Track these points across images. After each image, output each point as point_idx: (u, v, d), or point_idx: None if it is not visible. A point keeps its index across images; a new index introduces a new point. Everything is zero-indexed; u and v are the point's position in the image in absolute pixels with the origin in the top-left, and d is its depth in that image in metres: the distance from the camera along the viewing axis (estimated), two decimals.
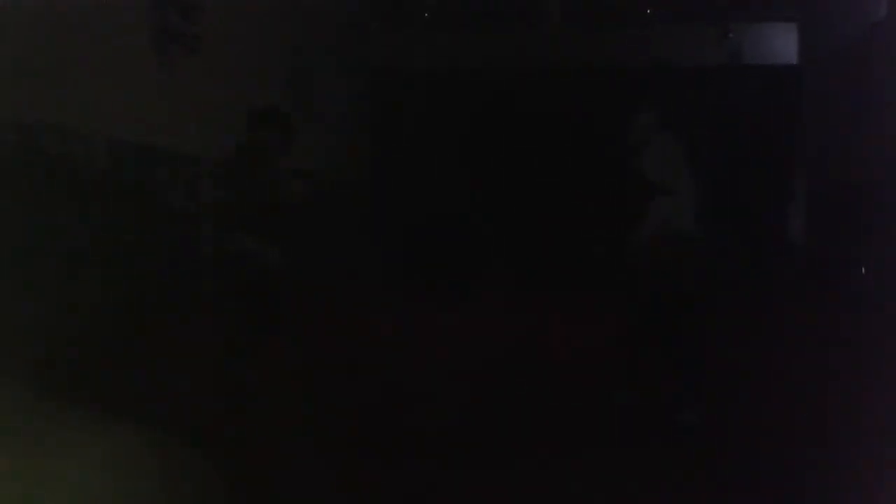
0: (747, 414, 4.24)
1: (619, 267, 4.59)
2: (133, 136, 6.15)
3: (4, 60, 4.63)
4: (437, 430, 3.81)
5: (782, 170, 10.11)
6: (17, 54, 4.76)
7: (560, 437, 3.90)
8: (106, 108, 5.80)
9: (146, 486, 2.86)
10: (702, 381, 4.19)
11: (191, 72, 6.65)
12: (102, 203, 5.86)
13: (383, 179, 10.30)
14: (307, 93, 8.45)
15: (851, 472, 3.25)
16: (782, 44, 10.45)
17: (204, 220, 4.70)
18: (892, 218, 7.53)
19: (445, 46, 10.65)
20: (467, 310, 6.92)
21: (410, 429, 3.84)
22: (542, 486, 3.16)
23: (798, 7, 10.03)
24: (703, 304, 4.48)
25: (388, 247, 9.26)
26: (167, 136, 6.39)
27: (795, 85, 10.13)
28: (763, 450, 3.58)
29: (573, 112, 9.89)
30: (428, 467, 3.31)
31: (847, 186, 8.45)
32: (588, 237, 8.92)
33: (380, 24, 10.51)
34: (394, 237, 9.43)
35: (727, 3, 10.13)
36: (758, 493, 3.19)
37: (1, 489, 2.71)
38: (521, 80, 10.38)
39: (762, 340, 6.21)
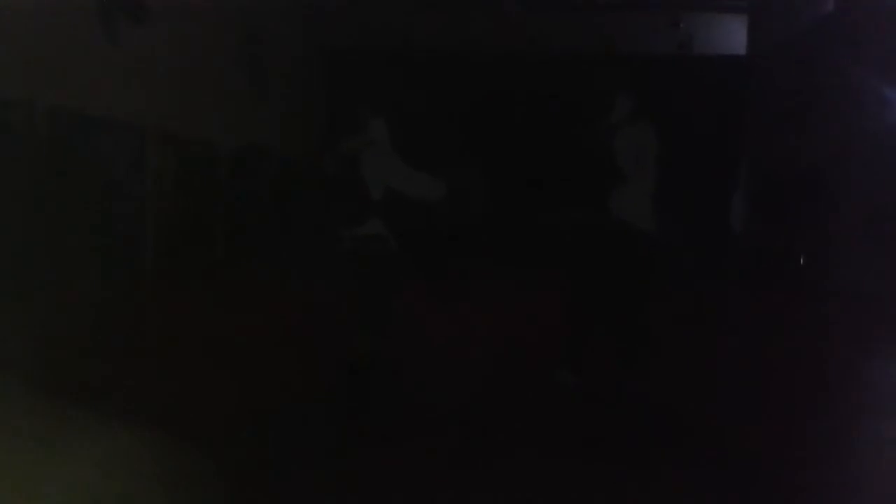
0: (694, 397, 4.30)
1: (572, 251, 4.61)
2: (78, 105, 5.97)
3: None
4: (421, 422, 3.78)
5: (728, 160, 10.30)
6: None
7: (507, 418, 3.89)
8: (51, 76, 5.62)
9: (146, 487, 2.79)
10: (648, 367, 4.23)
11: (139, 42, 6.47)
12: (42, 173, 5.68)
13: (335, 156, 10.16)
14: (259, 67, 8.26)
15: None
16: (732, 34, 10.61)
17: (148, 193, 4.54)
18: (834, 208, 7.72)
19: (404, 27, 10.58)
20: (423, 290, 6.92)
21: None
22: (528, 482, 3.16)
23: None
24: (656, 291, 4.52)
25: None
26: (115, 105, 6.22)
27: (744, 75, 10.31)
28: (701, 438, 3.62)
29: (521, 95, 9.96)
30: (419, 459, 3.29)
31: (791, 177, 8.62)
32: (535, 223, 9.02)
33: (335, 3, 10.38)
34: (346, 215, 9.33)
35: None
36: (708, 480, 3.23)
37: (1, 489, 2.63)
38: (474, 63, 10.40)
39: (707, 326, 6.30)
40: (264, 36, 8.54)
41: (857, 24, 7.93)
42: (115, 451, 3.00)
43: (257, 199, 8.57)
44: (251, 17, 8.29)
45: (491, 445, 3.30)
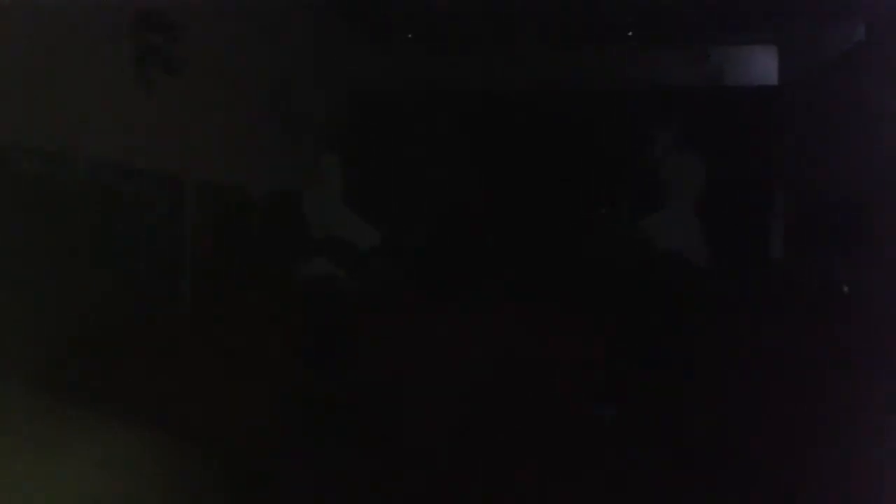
0: (733, 426, 4.21)
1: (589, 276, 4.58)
2: (115, 155, 6.13)
3: None
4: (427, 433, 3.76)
5: (763, 189, 10.22)
6: None
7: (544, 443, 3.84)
8: (87, 128, 5.79)
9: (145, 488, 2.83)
10: (691, 394, 4.15)
11: (171, 91, 6.65)
12: (84, 223, 5.82)
13: (363, 200, 10.32)
14: (288, 113, 8.44)
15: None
16: (761, 65, 10.59)
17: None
18: (877, 238, 7.60)
19: (429, 68, 10.72)
20: (452, 332, 6.91)
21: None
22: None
23: (776, 30, 10.16)
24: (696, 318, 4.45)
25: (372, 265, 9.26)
26: (148, 155, 6.37)
27: (773, 105, 10.26)
28: (746, 462, 3.55)
29: (555, 133, 9.98)
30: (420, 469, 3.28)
31: (826, 205, 8.52)
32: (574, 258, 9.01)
33: (361, 46, 10.56)
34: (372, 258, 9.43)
35: (707, 25, 10.26)
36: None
37: (1, 489, 2.67)
38: (502, 101, 10.47)
39: (748, 354, 6.22)
40: (294, 82, 8.73)
41: (888, 51, 7.87)
42: (114, 451, 3.05)
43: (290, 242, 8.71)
44: (281, 64, 8.50)
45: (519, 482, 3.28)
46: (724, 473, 3.39)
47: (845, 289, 8.51)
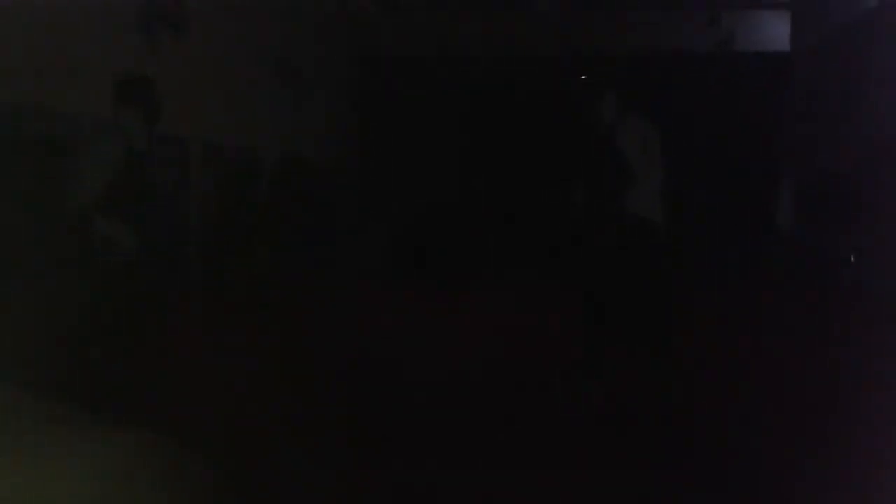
0: (722, 406, 4.19)
1: (590, 252, 4.53)
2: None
3: None
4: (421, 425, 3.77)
5: (771, 159, 10.15)
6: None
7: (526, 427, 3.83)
8: (94, 89, 5.73)
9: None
10: (668, 371, 4.14)
11: (177, 54, 6.58)
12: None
13: (373, 168, 10.28)
14: (297, 78, 8.37)
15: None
16: (773, 31, 10.46)
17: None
18: (885, 208, 7.56)
19: (435, 32, 10.62)
20: (448, 299, 6.90)
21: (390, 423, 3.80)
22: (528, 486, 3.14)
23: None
24: (683, 293, 4.43)
25: (374, 236, 9.26)
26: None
27: (786, 73, 10.16)
28: (738, 443, 3.53)
29: (560, 97, 9.91)
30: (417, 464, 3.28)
31: (837, 176, 8.47)
32: (564, 220, 8.96)
33: (371, 9, 10.45)
34: (381, 226, 9.41)
35: None
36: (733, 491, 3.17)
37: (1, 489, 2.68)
38: (511, 66, 10.37)
39: (737, 331, 6.19)
40: (301, 45, 8.65)
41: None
42: (114, 452, 3.04)
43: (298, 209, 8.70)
44: (288, 26, 8.42)
45: (507, 456, 3.26)
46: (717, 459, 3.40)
47: (852, 258, 8.49)
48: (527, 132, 10.08)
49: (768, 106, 9.97)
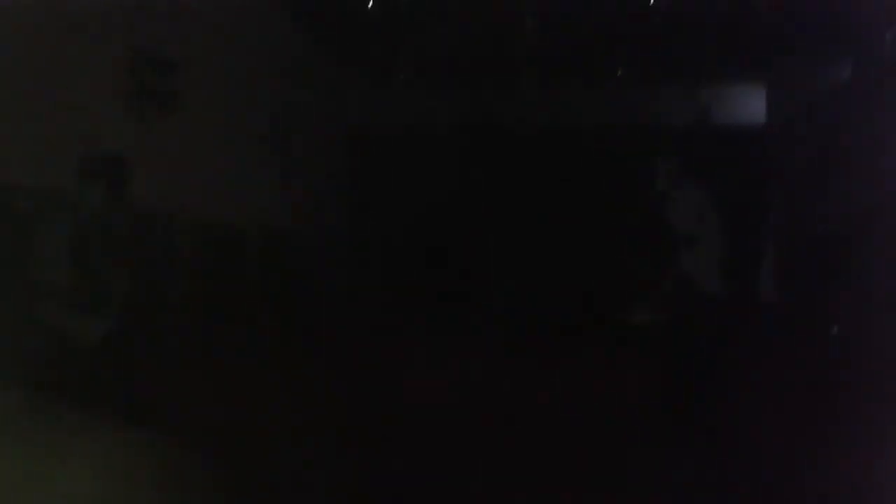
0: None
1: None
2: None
3: None
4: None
5: (755, 227, 10.25)
6: None
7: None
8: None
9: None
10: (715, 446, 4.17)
11: (166, 130, 6.63)
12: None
13: (364, 241, 10.26)
14: (286, 153, 8.43)
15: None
16: (750, 104, 10.70)
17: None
18: (864, 273, 7.64)
19: (426, 107, 10.74)
20: (461, 384, 6.82)
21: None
22: None
23: (764, 69, 10.29)
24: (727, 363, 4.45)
25: (367, 311, 9.17)
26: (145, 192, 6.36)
27: (764, 143, 10.34)
28: None
29: (554, 172, 9.99)
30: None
31: (818, 243, 8.57)
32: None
33: (359, 85, 10.57)
34: (374, 301, 9.32)
35: (697, 66, 10.39)
36: None
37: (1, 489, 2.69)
38: (496, 140, 10.50)
39: (782, 401, 6.14)
40: (290, 119, 8.74)
41: (874, 90, 7.97)
42: (114, 452, 3.00)
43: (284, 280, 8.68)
44: (277, 101, 8.51)
45: None
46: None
47: (835, 330, 8.46)
48: (523, 204, 10.14)
49: (750, 175, 10.14)
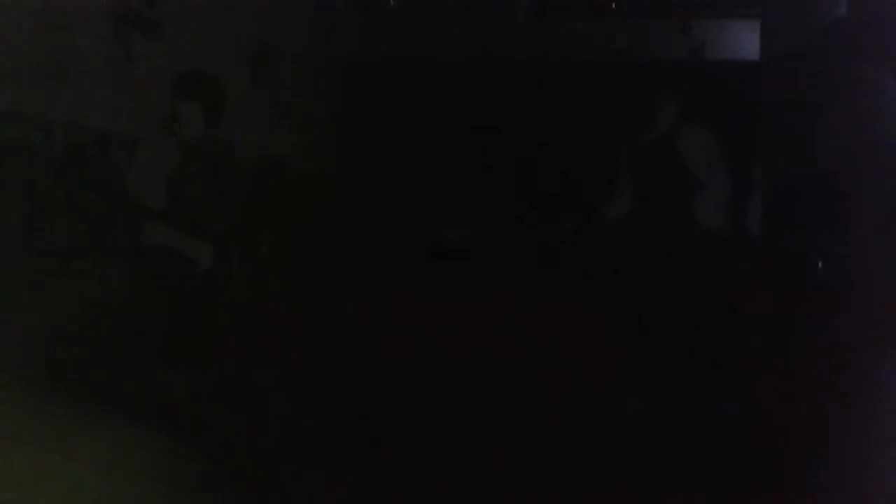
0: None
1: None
2: (93, 121, 6.04)
3: None
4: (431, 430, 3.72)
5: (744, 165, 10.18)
6: None
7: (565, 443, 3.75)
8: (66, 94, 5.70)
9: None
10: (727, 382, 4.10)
11: (151, 56, 6.55)
12: (61, 190, 5.73)
13: (351, 172, 10.17)
14: (273, 81, 8.33)
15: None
16: (744, 40, 10.59)
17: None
18: (849, 211, 7.65)
19: (416, 36, 10.58)
20: (459, 310, 6.71)
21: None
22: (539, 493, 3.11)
23: (759, 4, 10.17)
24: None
25: (354, 242, 9.11)
26: (127, 120, 6.28)
27: (756, 80, 10.28)
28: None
29: (541, 104, 9.89)
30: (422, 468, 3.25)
31: (806, 182, 8.57)
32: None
33: (347, 12, 10.40)
34: (360, 232, 9.26)
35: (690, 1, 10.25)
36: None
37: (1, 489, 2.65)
38: (491, 71, 10.32)
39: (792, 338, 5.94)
40: (278, 48, 8.62)
41: (869, 27, 7.90)
42: (114, 451, 3.01)
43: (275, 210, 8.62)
44: (265, 29, 8.39)
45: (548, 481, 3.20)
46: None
47: (820, 265, 8.55)
48: (508, 138, 9.99)
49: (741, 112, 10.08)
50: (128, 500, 2.73)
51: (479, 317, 6.52)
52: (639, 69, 10.08)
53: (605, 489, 3.15)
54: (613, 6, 10.57)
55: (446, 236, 9.30)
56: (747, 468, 3.28)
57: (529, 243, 9.17)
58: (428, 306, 6.83)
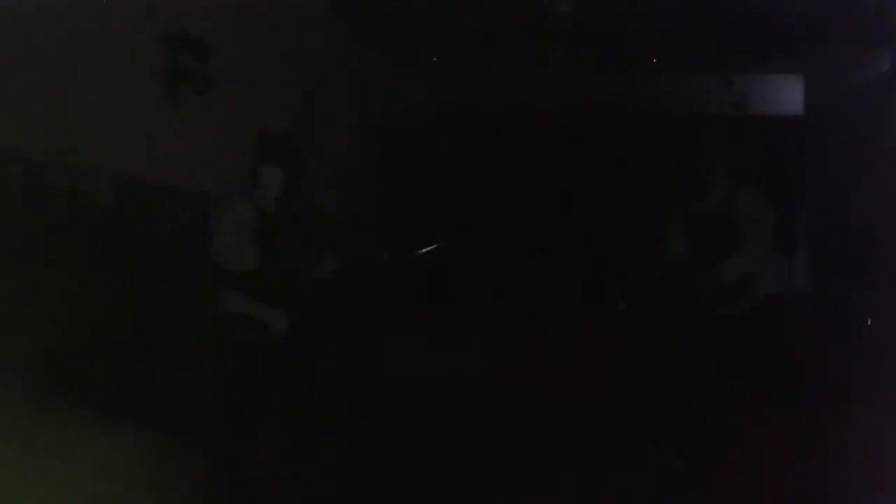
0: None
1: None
2: (144, 174, 6.09)
3: (15, 96, 4.63)
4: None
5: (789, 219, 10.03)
6: (28, 90, 4.76)
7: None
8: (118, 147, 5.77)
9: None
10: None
11: (201, 111, 6.65)
12: (110, 242, 5.77)
13: (391, 223, 10.16)
14: (316, 135, 8.43)
15: None
16: (787, 94, 10.51)
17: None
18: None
19: (456, 90, 10.60)
20: (489, 361, 6.63)
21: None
22: None
23: (802, 58, 10.11)
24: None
25: (397, 288, 9.02)
26: (178, 175, 6.31)
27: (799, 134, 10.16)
28: None
29: (580, 155, 9.82)
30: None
31: (853, 235, 8.41)
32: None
33: (388, 67, 10.50)
34: (402, 279, 9.18)
35: (732, 54, 10.22)
36: None
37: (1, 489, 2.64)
38: (531, 125, 10.26)
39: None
40: (321, 104, 8.73)
41: None
42: (114, 451, 2.98)
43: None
44: (309, 85, 8.51)
45: None
46: None
47: (869, 321, 8.30)
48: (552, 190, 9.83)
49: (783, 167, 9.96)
50: None
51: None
52: (686, 126, 9.93)
53: None
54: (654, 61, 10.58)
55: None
56: None
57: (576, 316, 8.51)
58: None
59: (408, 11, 9.07)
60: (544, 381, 5.91)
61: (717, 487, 3.72)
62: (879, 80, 8.23)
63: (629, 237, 8.22)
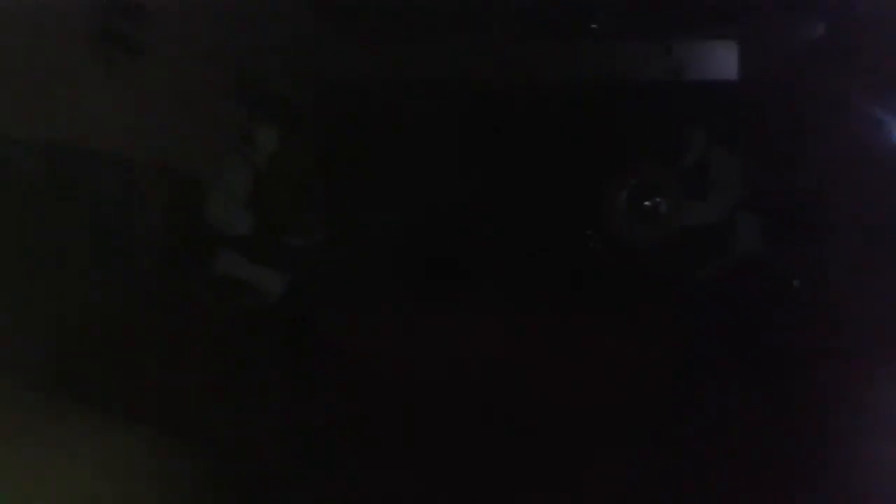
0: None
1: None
2: (73, 140, 6.01)
3: None
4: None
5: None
6: None
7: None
8: (45, 112, 5.67)
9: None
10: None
11: (134, 75, 6.51)
12: (39, 209, 5.69)
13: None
14: (256, 101, 8.29)
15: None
16: (722, 60, 10.65)
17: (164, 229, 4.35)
18: (830, 230, 7.71)
19: (405, 56, 10.47)
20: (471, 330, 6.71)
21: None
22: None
23: (737, 25, 10.23)
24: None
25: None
26: (109, 140, 6.24)
27: (737, 100, 10.30)
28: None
29: (517, 124, 9.84)
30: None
31: (788, 200, 8.62)
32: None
33: (334, 31, 10.30)
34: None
35: (669, 21, 10.29)
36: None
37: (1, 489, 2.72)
38: (469, 92, 10.24)
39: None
40: (257, 71, 8.59)
41: (849, 46, 7.98)
42: (114, 451, 3.03)
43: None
44: (246, 52, 8.35)
45: None
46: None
47: (796, 283, 8.53)
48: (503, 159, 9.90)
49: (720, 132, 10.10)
50: None
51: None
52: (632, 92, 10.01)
53: None
54: (594, 27, 10.57)
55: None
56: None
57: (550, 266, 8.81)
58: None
59: None
60: (522, 354, 5.98)
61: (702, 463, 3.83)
62: (813, 46, 8.41)
63: (569, 207, 8.33)
